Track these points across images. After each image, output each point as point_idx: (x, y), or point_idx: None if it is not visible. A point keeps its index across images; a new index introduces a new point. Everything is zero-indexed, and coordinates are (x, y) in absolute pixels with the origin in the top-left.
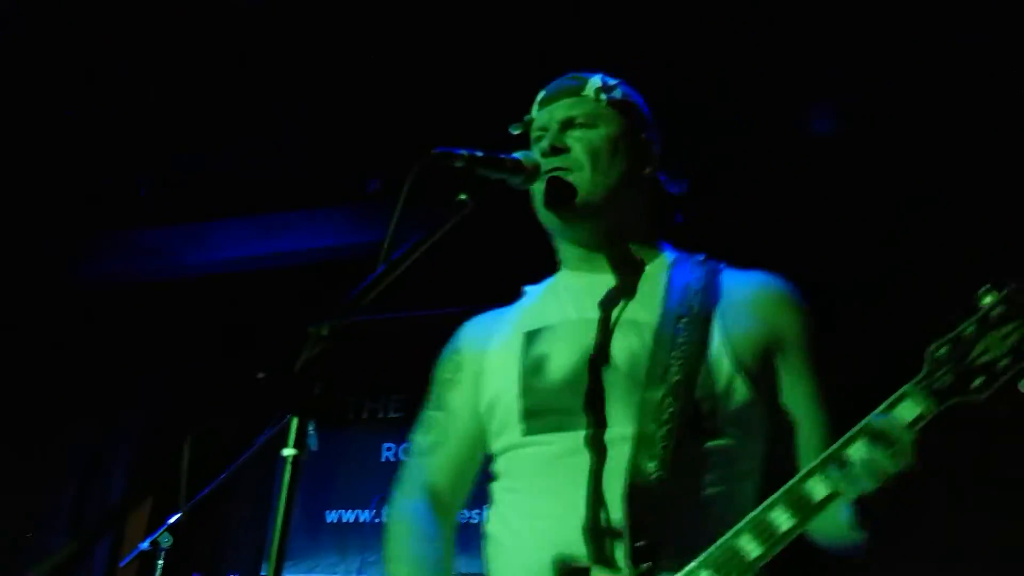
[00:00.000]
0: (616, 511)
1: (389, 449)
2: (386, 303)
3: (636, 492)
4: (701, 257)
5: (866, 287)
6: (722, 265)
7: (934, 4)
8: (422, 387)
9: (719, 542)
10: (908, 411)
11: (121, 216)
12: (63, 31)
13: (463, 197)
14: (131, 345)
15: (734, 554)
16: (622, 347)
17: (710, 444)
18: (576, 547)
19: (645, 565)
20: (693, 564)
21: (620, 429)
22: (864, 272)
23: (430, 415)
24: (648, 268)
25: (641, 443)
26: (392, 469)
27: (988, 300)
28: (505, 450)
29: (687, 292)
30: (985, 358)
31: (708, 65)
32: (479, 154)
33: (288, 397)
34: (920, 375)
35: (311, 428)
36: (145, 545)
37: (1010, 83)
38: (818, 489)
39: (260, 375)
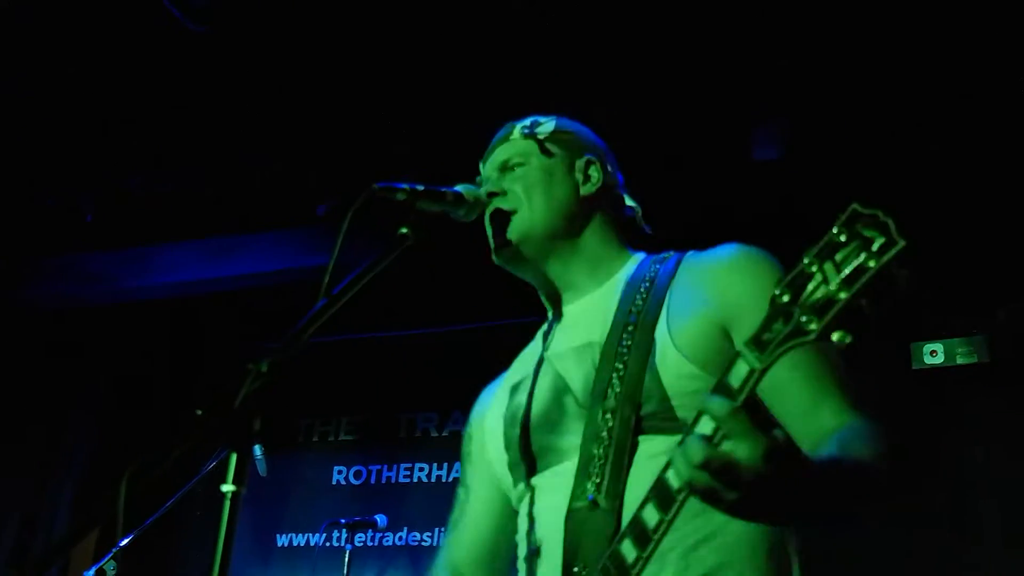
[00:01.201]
0: (558, 541)
1: (340, 472)
2: (337, 326)
3: (572, 520)
4: (664, 255)
5: None
6: (687, 253)
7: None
8: (373, 410)
9: (608, 550)
10: (739, 371)
11: (66, 240)
12: (6, 53)
13: (404, 231)
14: (74, 371)
15: (619, 560)
16: (577, 374)
17: (663, 444)
18: None
19: None
20: None
21: (576, 458)
22: None
23: (457, 493)
24: (606, 284)
25: (582, 467)
26: (343, 492)
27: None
28: (516, 506)
29: (635, 298)
30: (819, 293)
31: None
32: (420, 188)
33: (227, 433)
34: (755, 328)
35: (260, 453)
36: (90, 573)
37: (946, 107)
38: (674, 478)
39: (198, 411)
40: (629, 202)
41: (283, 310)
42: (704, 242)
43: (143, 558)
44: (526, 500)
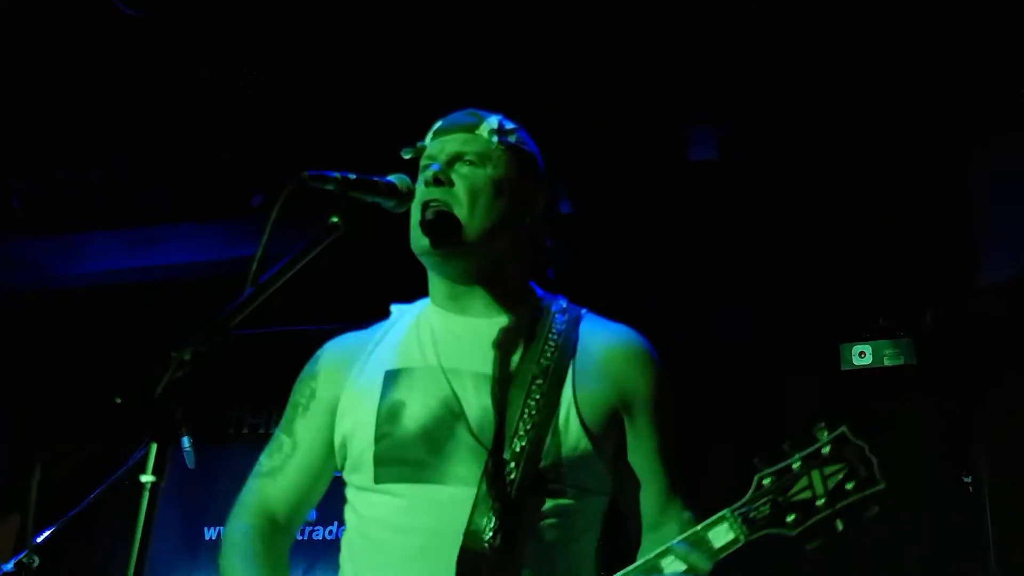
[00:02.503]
0: (446, 569)
1: None
2: (268, 317)
3: (467, 557)
4: (564, 303)
5: (752, 305)
6: (583, 312)
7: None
8: None
9: None
10: (722, 535)
11: None
12: None
13: (335, 220)
14: None
15: None
16: (475, 404)
17: (551, 504)
18: None
19: None
20: None
21: (464, 489)
22: (749, 292)
23: (278, 436)
24: (512, 317)
25: (479, 506)
26: None
27: (820, 437)
28: (358, 488)
29: (544, 349)
30: (804, 495)
31: (591, 92)
32: (352, 177)
33: (148, 422)
34: (742, 500)
35: (188, 445)
36: (9, 567)
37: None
38: None
39: (118, 400)
40: (546, 239)
41: (212, 300)
42: (637, 245)
43: (67, 550)
44: (392, 500)
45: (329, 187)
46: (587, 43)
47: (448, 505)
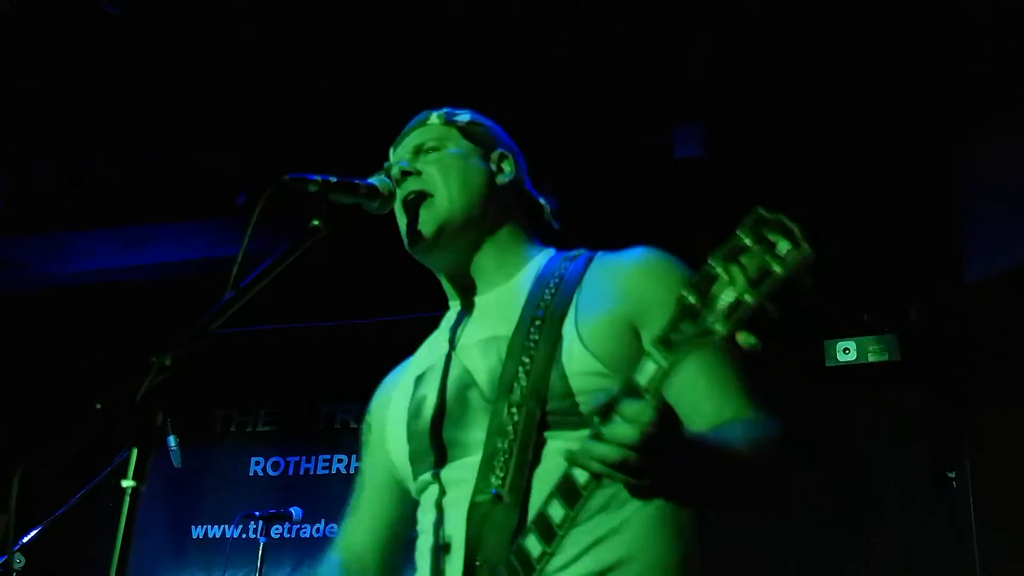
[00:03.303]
0: (461, 534)
1: (258, 463)
2: (256, 316)
3: (475, 513)
4: (575, 252)
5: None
6: (597, 253)
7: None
8: (292, 401)
9: (512, 545)
10: (647, 370)
11: None
12: None
13: (315, 223)
14: None
15: (524, 555)
16: (482, 367)
17: (573, 438)
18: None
19: None
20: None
21: (479, 454)
22: None
23: (356, 479)
24: (515, 278)
25: (486, 462)
26: (261, 483)
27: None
28: (417, 496)
29: (543, 293)
30: (727, 296)
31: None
32: (332, 179)
33: (128, 428)
34: (661, 328)
35: (175, 445)
36: None
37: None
38: (580, 474)
39: (97, 405)
40: (540, 200)
41: (201, 300)
42: (625, 238)
43: (53, 551)
44: (430, 492)
45: (311, 189)
46: (571, 41)
47: (468, 472)
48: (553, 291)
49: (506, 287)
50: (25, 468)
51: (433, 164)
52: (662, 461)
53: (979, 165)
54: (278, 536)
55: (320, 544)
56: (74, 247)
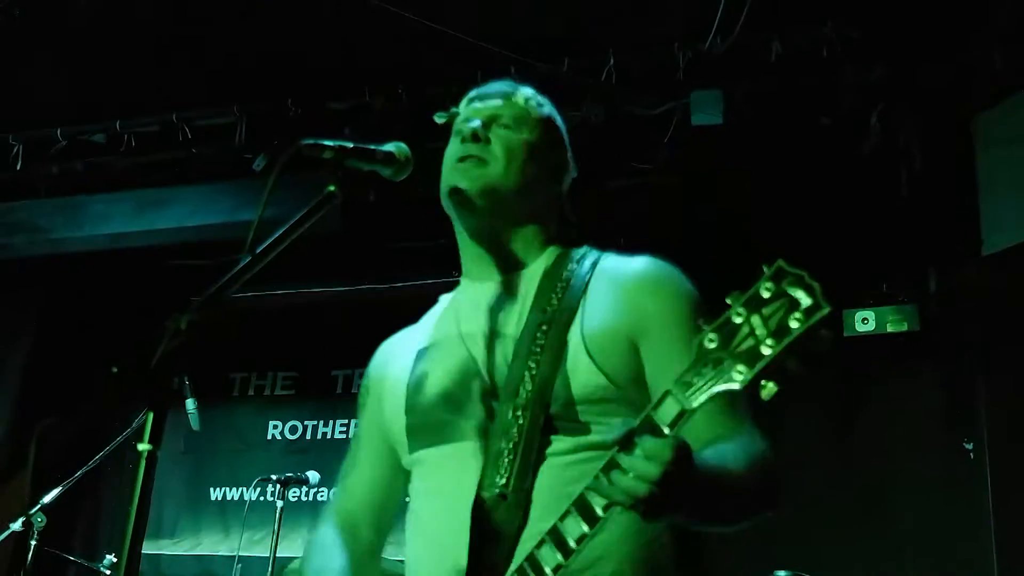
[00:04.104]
0: (463, 522)
1: (276, 427)
2: (275, 281)
3: (480, 507)
4: (582, 251)
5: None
6: (602, 256)
7: None
8: (311, 365)
9: (526, 555)
10: (667, 411)
11: None
12: None
13: (331, 188)
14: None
15: (536, 565)
16: (489, 360)
17: (570, 443)
18: (445, 566)
19: None
20: None
21: (479, 443)
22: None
23: (351, 444)
24: (526, 271)
25: (490, 457)
26: (278, 447)
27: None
28: (408, 466)
29: (552, 295)
30: (748, 344)
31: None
32: (349, 145)
33: (144, 392)
34: (684, 369)
35: (193, 408)
36: (17, 525)
37: None
38: (596, 500)
39: (114, 369)
40: (572, 213)
41: (218, 264)
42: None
43: (73, 510)
44: (426, 469)
45: (326, 155)
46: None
47: (467, 460)
48: (560, 295)
49: (517, 277)
50: (43, 431)
51: (502, 141)
52: (678, 494)
53: (999, 135)
54: (296, 499)
55: None
56: (90, 211)
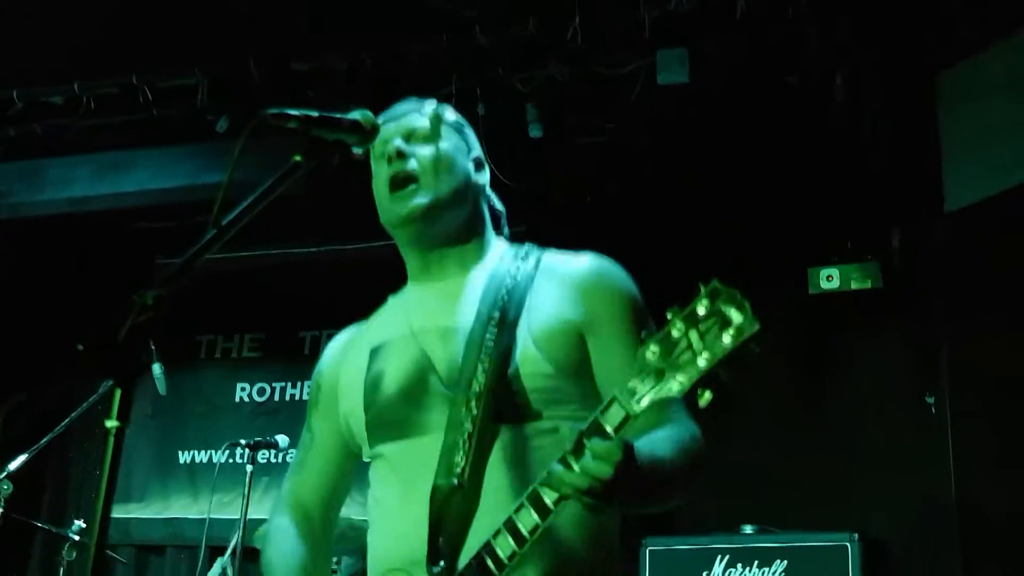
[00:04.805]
0: (422, 513)
1: (243, 389)
2: (242, 241)
3: (437, 496)
4: (524, 248)
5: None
6: (544, 252)
7: None
8: (277, 327)
9: (483, 544)
10: (615, 415)
11: None
12: None
13: (297, 159)
14: None
15: (493, 554)
16: (441, 356)
17: (528, 430)
18: (404, 555)
19: (438, 568)
20: (462, 566)
21: (436, 436)
22: (715, 215)
23: (303, 433)
24: (472, 272)
25: (446, 448)
26: (246, 409)
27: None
28: (368, 461)
29: (499, 291)
30: (686, 357)
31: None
32: (314, 114)
33: (110, 367)
34: (628, 376)
35: (160, 372)
36: None
37: None
38: (548, 494)
39: (79, 346)
40: (497, 203)
41: (182, 229)
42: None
43: (39, 479)
44: (386, 463)
45: (291, 125)
46: None
47: (425, 452)
48: (507, 294)
49: (463, 279)
50: (9, 411)
51: (426, 153)
52: (622, 488)
53: (961, 92)
54: (265, 461)
55: None
56: (49, 175)
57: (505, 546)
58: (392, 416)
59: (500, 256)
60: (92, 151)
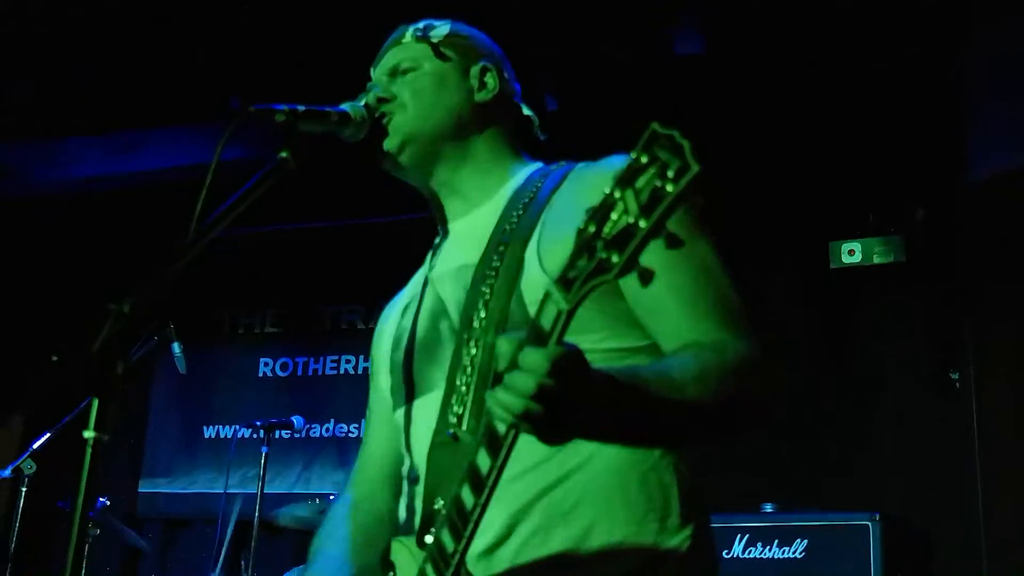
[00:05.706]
0: (424, 472)
1: (267, 364)
2: (263, 216)
3: (434, 451)
4: (557, 166)
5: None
6: (577, 165)
7: None
8: (300, 302)
9: (449, 498)
10: (548, 315)
11: None
12: None
13: (284, 155)
14: None
15: (460, 506)
16: (453, 298)
17: None
18: (413, 519)
19: (430, 538)
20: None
21: (439, 392)
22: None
23: (367, 412)
24: (494, 198)
25: (446, 399)
26: (270, 384)
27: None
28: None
29: (512, 214)
30: (623, 222)
31: None
32: (300, 108)
33: (86, 378)
34: (563, 265)
35: (179, 352)
36: (7, 472)
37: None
38: (498, 424)
39: (54, 358)
40: (526, 111)
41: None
42: (621, 141)
43: (64, 457)
44: (403, 426)
45: (278, 119)
46: None
47: (430, 408)
48: (522, 211)
49: (484, 208)
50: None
51: (407, 87)
52: (567, 409)
53: (984, 64)
54: (289, 436)
55: (330, 444)
56: (63, 153)
57: (467, 496)
58: (407, 375)
59: (527, 175)
60: (104, 131)
